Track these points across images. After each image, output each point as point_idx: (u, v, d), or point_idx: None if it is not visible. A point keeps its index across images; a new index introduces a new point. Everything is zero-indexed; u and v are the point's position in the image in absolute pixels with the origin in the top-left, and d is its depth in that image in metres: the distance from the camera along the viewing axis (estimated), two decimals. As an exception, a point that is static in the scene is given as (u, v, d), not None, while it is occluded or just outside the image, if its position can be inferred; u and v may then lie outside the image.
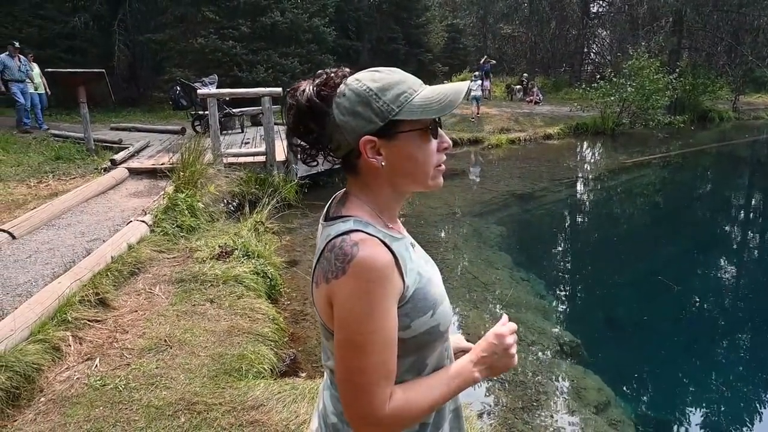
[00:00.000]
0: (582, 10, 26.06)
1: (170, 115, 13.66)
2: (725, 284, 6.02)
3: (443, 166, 0.97)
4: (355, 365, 0.87)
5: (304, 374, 3.40)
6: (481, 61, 20.79)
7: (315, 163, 1.02)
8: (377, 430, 0.89)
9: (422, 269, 0.96)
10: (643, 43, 19.60)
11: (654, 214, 9.08)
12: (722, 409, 3.67)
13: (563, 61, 28.56)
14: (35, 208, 5.49)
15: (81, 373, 2.93)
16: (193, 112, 10.59)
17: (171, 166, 6.41)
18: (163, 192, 5.92)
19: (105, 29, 15.46)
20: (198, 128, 9.80)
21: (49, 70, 9.92)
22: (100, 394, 2.75)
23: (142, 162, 7.98)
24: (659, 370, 4.09)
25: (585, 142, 15.82)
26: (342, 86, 0.93)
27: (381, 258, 0.86)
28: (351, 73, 0.96)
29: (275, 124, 7.83)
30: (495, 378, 3.47)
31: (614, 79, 16.42)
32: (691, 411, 3.66)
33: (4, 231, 4.72)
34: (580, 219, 9.02)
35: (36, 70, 10.64)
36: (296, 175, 7.77)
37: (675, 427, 3.49)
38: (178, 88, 10.80)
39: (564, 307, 5.26)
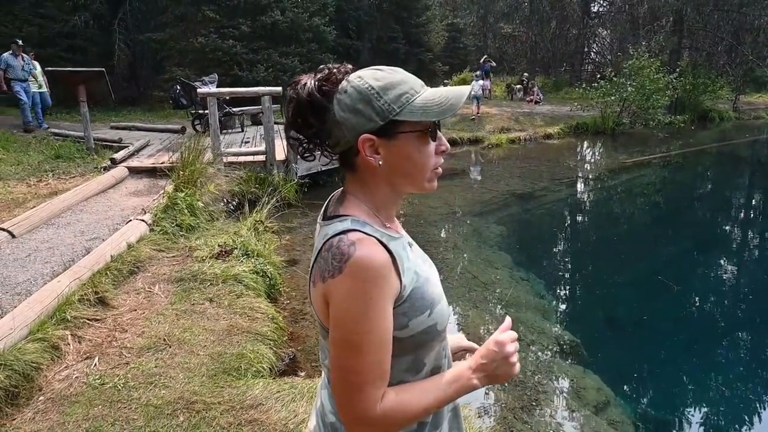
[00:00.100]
0: (582, 9, 26.05)
1: (170, 114, 13.66)
2: (725, 284, 6.02)
3: (440, 169, 0.97)
4: (349, 364, 0.87)
5: (303, 373, 3.40)
6: (481, 61, 20.79)
7: (312, 158, 1.02)
8: (368, 430, 0.89)
9: (419, 268, 0.95)
10: (643, 43, 19.59)
11: (654, 213, 9.08)
12: (722, 408, 3.67)
13: (563, 61, 28.55)
14: (35, 206, 5.49)
15: (80, 371, 2.93)
16: (193, 111, 10.59)
17: (171, 165, 6.41)
18: (162, 191, 5.92)
19: (105, 28, 15.45)
20: (198, 127, 9.80)
21: (49, 68, 9.93)
22: (98, 392, 2.75)
23: (141, 161, 7.98)
24: (659, 369, 4.09)
25: (585, 142, 15.81)
26: (344, 83, 0.93)
27: (378, 258, 0.86)
28: (353, 70, 0.96)
29: (275, 123, 7.84)
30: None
31: (614, 79, 16.40)
32: (690, 411, 3.66)
33: (3, 230, 4.72)
34: (580, 219, 9.02)
35: (38, 68, 10.63)
36: (296, 174, 7.76)
37: (674, 427, 3.49)
38: (178, 87, 10.80)
39: (564, 306, 5.26)
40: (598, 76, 18.40)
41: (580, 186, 10.96)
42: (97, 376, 2.88)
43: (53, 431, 2.48)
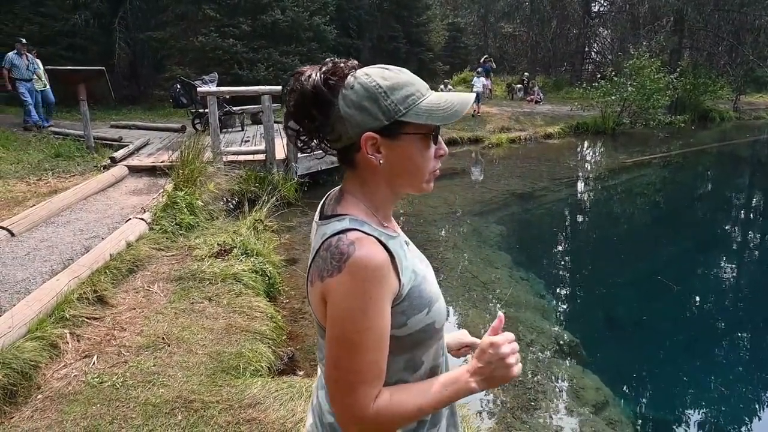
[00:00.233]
0: (583, 9, 26.04)
1: (170, 113, 13.65)
2: (725, 284, 6.02)
3: (438, 172, 0.98)
4: (346, 363, 0.86)
5: (301, 372, 3.40)
6: (482, 60, 20.77)
7: (309, 150, 1.01)
8: (362, 429, 0.89)
9: (417, 267, 0.95)
10: (644, 43, 19.60)
11: (654, 213, 9.07)
12: (721, 409, 3.67)
13: (564, 61, 28.53)
14: (34, 205, 5.49)
15: (78, 370, 2.93)
16: (193, 110, 10.58)
17: (171, 164, 6.40)
18: (162, 190, 5.92)
19: (105, 27, 15.44)
20: (198, 126, 9.80)
21: (50, 67, 9.92)
22: (97, 391, 2.75)
23: (141, 160, 7.98)
24: (658, 369, 4.09)
25: (585, 142, 15.81)
26: (350, 78, 0.92)
27: (377, 257, 0.85)
28: (359, 67, 0.95)
29: (275, 122, 7.83)
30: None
31: (615, 79, 16.39)
32: (689, 411, 3.65)
33: (3, 228, 4.72)
34: (580, 218, 9.02)
35: (41, 67, 10.61)
36: (296, 173, 7.76)
37: (674, 427, 3.49)
38: (179, 86, 10.79)
39: (563, 306, 5.26)
40: (599, 75, 18.42)
41: (580, 186, 10.95)
42: (95, 375, 2.88)
43: (51, 429, 2.47)
